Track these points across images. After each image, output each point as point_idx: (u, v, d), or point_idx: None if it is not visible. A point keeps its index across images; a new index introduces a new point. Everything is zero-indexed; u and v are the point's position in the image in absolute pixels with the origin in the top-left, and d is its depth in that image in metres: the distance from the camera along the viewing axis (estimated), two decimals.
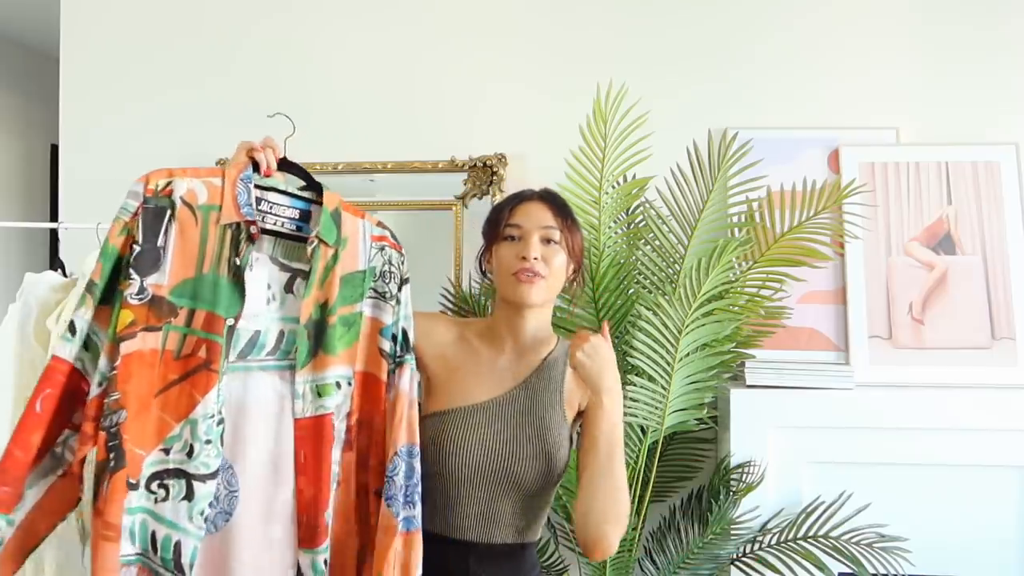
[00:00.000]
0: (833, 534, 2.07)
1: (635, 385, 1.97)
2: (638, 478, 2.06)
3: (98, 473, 1.31)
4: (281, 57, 2.62)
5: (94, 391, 1.33)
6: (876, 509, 2.10)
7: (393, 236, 1.53)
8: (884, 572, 2.06)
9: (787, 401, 2.13)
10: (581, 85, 2.12)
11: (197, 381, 1.34)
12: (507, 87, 2.54)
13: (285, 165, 1.50)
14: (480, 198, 2.48)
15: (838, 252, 2.32)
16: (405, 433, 1.42)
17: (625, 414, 1.97)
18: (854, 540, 2.07)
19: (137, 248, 1.34)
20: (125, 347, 1.32)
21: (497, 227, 1.52)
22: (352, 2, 2.61)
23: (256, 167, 1.45)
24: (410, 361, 1.47)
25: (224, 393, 1.35)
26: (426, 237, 2.54)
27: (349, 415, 1.43)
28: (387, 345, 1.46)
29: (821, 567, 2.06)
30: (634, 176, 2.11)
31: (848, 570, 2.08)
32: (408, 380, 1.45)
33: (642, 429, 2.06)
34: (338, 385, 1.42)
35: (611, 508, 1.39)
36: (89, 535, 1.91)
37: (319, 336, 1.41)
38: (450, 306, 2.26)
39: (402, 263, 1.51)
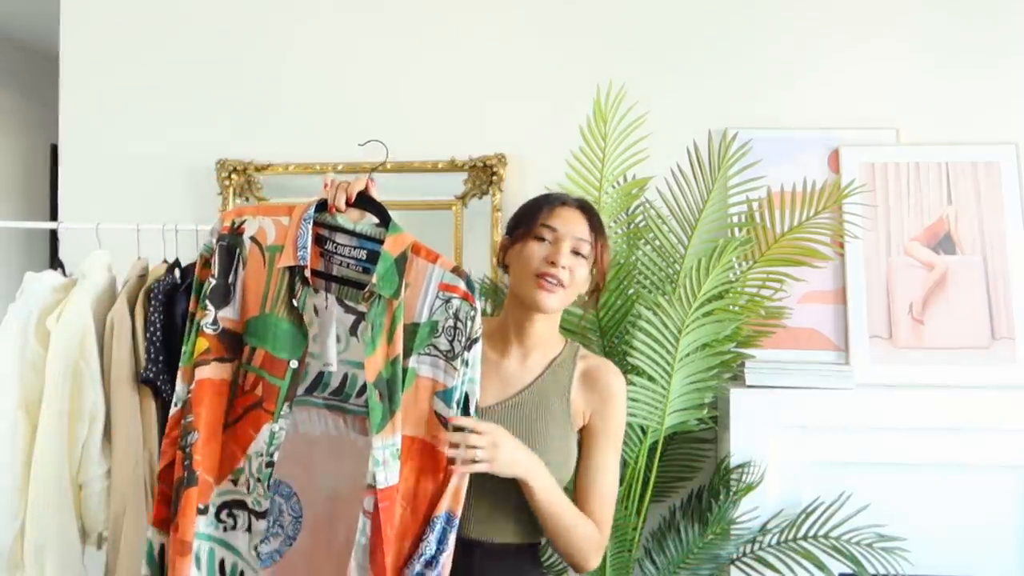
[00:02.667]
0: (833, 534, 2.07)
1: (635, 385, 1.97)
2: (638, 478, 2.06)
3: (176, 488, 1.34)
4: (281, 58, 2.62)
5: (173, 411, 1.37)
6: (876, 509, 2.10)
7: (469, 285, 1.36)
8: (884, 572, 2.06)
9: (787, 401, 2.13)
10: (581, 85, 2.12)
11: (253, 418, 1.36)
12: (507, 87, 2.54)
13: (362, 202, 1.40)
14: (480, 198, 2.48)
15: (838, 252, 2.32)
16: (449, 500, 1.33)
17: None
18: (854, 540, 2.07)
19: (212, 281, 1.38)
20: (199, 372, 1.36)
21: (531, 223, 1.47)
22: (352, 2, 2.61)
23: (326, 205, 1.40)
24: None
25: (281, 435, 1.35)
26: (426, 237, 2.50)
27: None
28: (444, 409, 1.34)
29: (821, 567, 2.06)
30: (634, 176, 2.11)
31: (848, 570, 2.08)
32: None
33: (642, 429, 2.06)
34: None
35: (583, 548, 1.46)
36: (89, 535, 1.92)
37: (391, 396, 1.31)
38: None
39: (472, 317, 1.34)
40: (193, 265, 1.77)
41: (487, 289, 2.23)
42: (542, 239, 1.46)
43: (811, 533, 2.08)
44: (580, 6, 2.54)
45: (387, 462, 1.30)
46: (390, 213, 1.40)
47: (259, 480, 1.35)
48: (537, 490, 1.39)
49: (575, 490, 1.50)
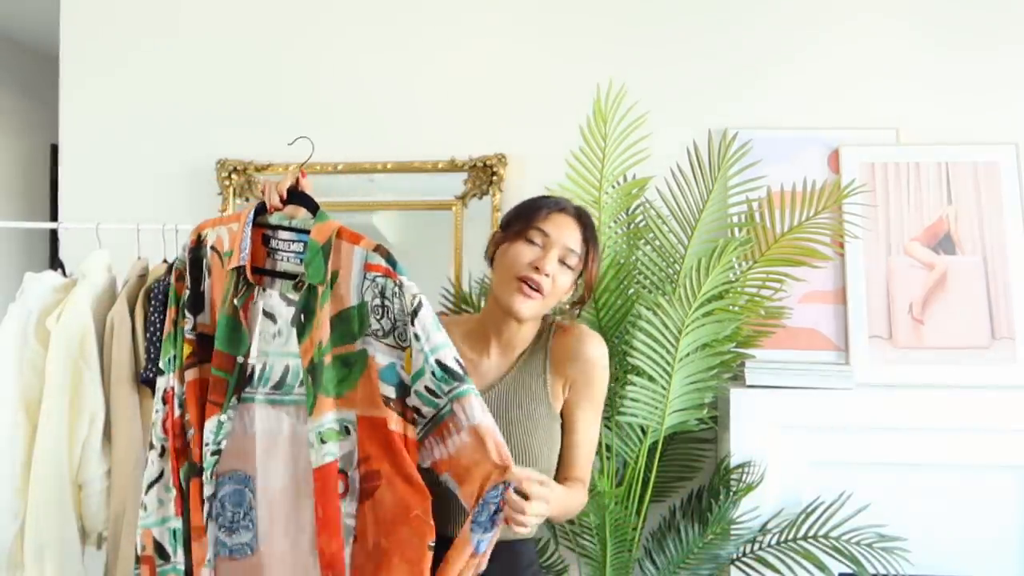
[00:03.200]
0: (833, 534, 2.07)
1: (635, 385, 1.97)
2: (638, 478, 2.06)
3: (185, 479, 1.45)
4: (282, 58, 2.62)
5: (177, 411, 1.47)
6: (876, 509, 2.10)
7: (390, 261, 1.38)
8: (884, 572, 2.06)
9: (787, 401, 2.13)
10: (581, 85, 2.12)
11: (210, 412, 1.44)
12: (507, 87, 2.54)
13: (294, 197, 1.46)
14: (480, 198, 2.48)
15: (838, 252, 2.32)
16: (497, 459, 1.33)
17: (625, 414, 1.98)
18: (854, 540, 2.07)
19: (187, 292, 1.48)
20: (188, 375, 1.46)
21: (525, 224, 1.46)
22: (352, 2, 2.61)
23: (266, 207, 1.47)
24: (469, 390, 1.34)
25: (227, 425, 1.42)
26: (426, 237, 2.55)
27: (359, 463, 1.38)
28: (389, 390, 1.37)
29: (821, 567, 2.06)
30: (634, 176, 2.11)
31: (848, 570, 2.08)
32: (479, 409, 1.34)
33: (642, 429, 2.06)
34: (346, 430, 1.38)
35: (577, 510, 1.52)
36: (89, 535, 1.92)
37: (316, 380, 1.38)
38: (450, 306, 2.26)
39: (397, 293, 1.36)
40: None
41: (488, 289, 2.23)
42: (532, 242, 1.45)
43: (811, 533, 2.08)
44: (580, 6, 2.54)
45: (315, 444, 1.36)
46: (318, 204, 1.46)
47: (202, 469, 1.42)
48: (555, 516, 1.43)
49: (560, 455, 1.49)
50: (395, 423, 1.36)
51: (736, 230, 2.15)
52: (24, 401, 1.85)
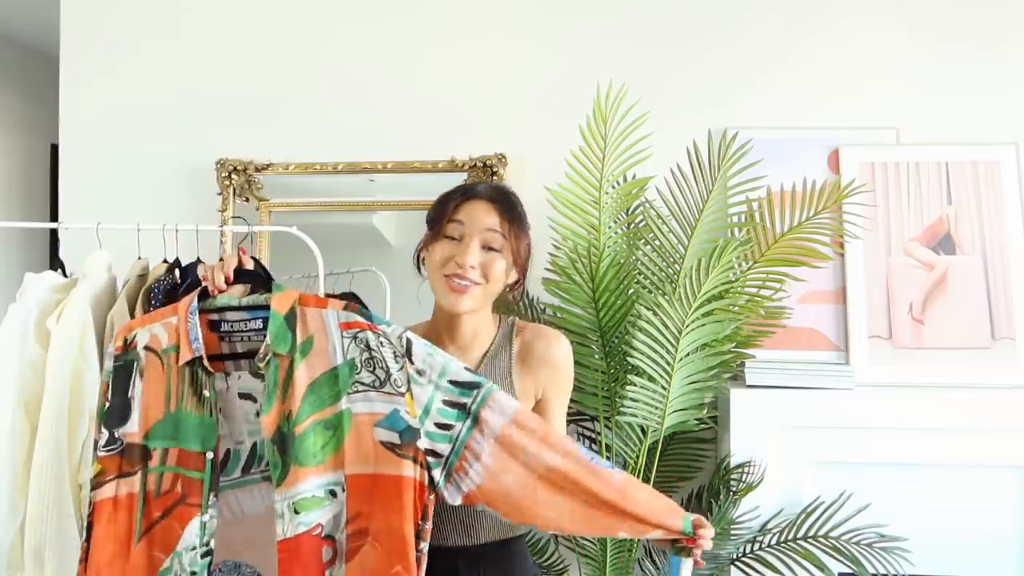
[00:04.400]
0: (833, 534, 2.07)
1: (635, 385, 1.97)
2: (638, 478, 2.06)
3: None
4: (281, 58, 2.62)
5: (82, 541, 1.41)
6: (876, 509, 2.10)
7: (364, 315, 1.38)
8: (884, 572, 2.06)
9: (787, 401, 2.13)
10: (581, 85, 2.12)
11: (178, 515, 1.38)
12: (507, 87, 2.54)
13: (241, 276, 1.44)
14: None
15: (838, 252, 2.32)
16: (562, 442, 1.34)
17: (625, 414, 1.98)
18: (854, 540, 2.07)
19: (107, 403, 1.42)
20: (95, 495, 1.40)
21: (440, 219, 1.43)
22: (353, 3, 2.61)
23: (207, 292, 1.43)
24: (493, 387, 1.35)
25: (212, 523, 1.37)
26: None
27: (348, 523, 1.34)
28: (394, 436, 1.33)
29: (821, 567, 2.06)
30: (634, 176, 2.11)
31: (848, 570, 2.08)
32: (512, 406, 1.34)
33: (642, 429, 2.06)
34: (332, 494, 1.35)
35: None
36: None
37: (285, 450, 1.34)
38: None
39: (384, 343, 1.35)
40: (193, 265, 1.77)
41: None
42: (451, 237, 1.42)
43: (811, 533, 2.08)
44: (581, 6, 2.54)
45: (286, 514, 1.32)
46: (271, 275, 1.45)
47: (193, 573, 1.36)
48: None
49: None
50: (408, 469, 1.33)
51: (736, 230, 2.15)
52: (24, 401, 1.84)
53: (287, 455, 1.34)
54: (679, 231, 2.12)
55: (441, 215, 1.44)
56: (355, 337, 1.37)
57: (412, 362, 1.35)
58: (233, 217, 2.37)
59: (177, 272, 1.94)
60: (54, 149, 4.12)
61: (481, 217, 1.42)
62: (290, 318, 1.38)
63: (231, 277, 1.42)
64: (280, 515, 1.33)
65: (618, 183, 2.11)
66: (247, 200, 2.54)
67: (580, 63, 2.49)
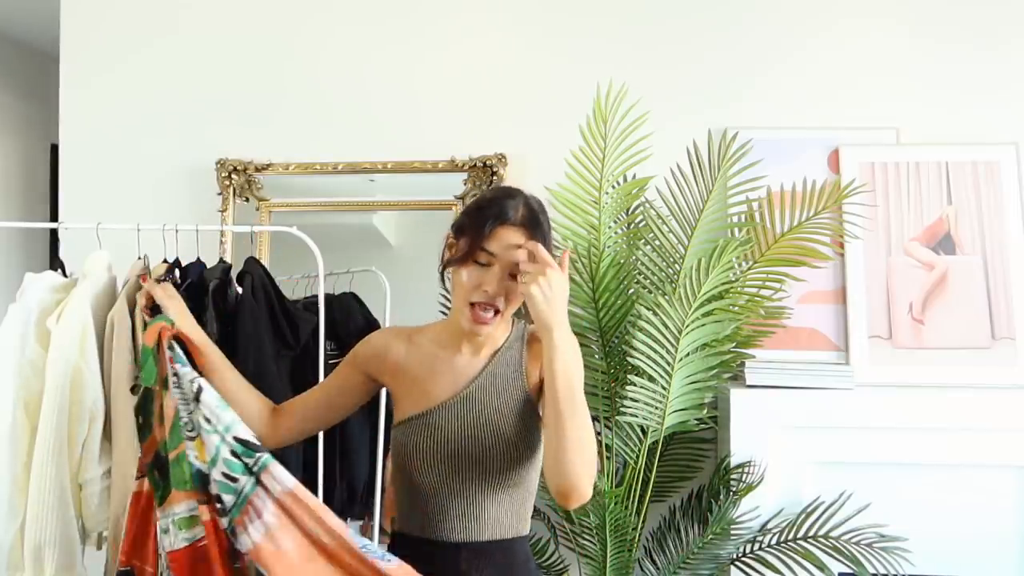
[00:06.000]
0: (833, 534, 2.07)
1: (635, 385, 1.97)
2: (638, 478, 2.06)
3: None
4: (281, 58, 2.62)
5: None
6: (876, 509, 2.10)
7: (171, 349, 1.46)
8: (884, 572, 2.06)
9: (787, 401, 2.13)
10: (581, 85, 2.12)
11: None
12: (507, 87, 2.54)
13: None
14: None
15: (838, 252, 2.32)
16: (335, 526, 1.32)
17: (625, 414, 1.98)
18: (854, 540, 2.07)
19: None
20: None
21: (472, 244, 1.42)
22: (353, 3, 2.61)
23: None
24: (270, 459, 1.33)
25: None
26: (426, 237, 2.54)
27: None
28: (191, 480, 1.37)
29: (821, 567, 2.06)
30: (634, 176, 2.11)
31: (848, 570, 2.08)
32: (289, 480, 1.32)
33: (642, 429, 2.06)
34: (194, 520, 1.39)
35: (579, 455, 1.34)
36: (89, 535, 1.91)
37: (164, 474, 1.41)
38: (449, 307, 2.26)
39: (177, 383, 1.42)
40: (194, 264, 1.81)
41: None
42: (479, 263, 1.41)
43: (811, 533, 2.08)
44: (581, 6, 2.54)
45: (169, 530, 1.38)
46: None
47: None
48: (561, 351, 1.34)
49: (545, 445, 1.44)
50: (206, 512, 1.36)
51: (736, 230, 2.15)
52: (24, 401, 1.84)
53: (166, 478, 1.41)
54: (679, 231, 2.12)
55: (475, 237, 1.42)
56: (175, 373, 1.43)
57: (200, 407, 1.38)
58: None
59: (177, 272, 1.94)
60: (54, 149, 4.12)
61: (511, 248, 1.41)
62: (156, 351, 1.46)
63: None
64: (165, 531, 1.40)
65: (618, 183, 2.11)
66: (247, 200, 2.54)
67: (580, 63, 2.49)
